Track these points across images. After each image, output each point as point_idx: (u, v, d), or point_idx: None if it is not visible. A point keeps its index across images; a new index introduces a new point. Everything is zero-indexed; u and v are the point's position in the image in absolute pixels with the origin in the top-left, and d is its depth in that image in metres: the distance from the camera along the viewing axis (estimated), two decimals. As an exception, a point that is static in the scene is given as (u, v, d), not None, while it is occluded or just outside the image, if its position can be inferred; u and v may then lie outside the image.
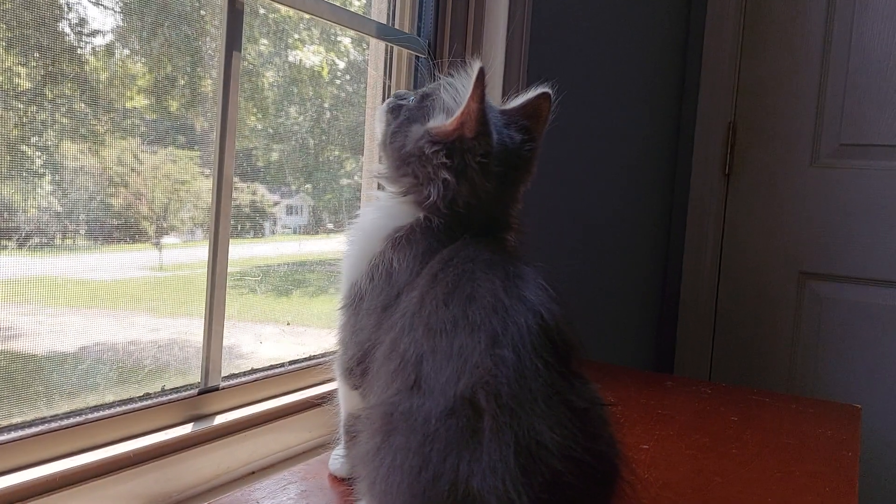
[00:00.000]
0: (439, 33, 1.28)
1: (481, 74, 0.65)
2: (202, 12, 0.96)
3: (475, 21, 1.31)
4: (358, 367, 0.71)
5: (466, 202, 0.71)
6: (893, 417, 2.01)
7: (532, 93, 0.75)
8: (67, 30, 0.82)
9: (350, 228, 0.79)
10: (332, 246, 1.23)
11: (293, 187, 1.21)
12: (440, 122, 0.70)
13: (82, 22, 0.83)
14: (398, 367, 0.61)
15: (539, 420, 0.55)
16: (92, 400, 0.81)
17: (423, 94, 0.75)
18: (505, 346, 0.57)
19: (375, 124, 0.81)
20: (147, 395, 0.86)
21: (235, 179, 1.05)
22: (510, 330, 0.58)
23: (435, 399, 0.57)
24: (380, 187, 0.82)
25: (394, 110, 0.76)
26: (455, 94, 0.70)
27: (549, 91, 0.75)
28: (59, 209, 0.82)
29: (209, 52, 0.95)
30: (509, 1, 1.30)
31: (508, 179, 0.73)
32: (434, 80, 0.78)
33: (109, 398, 0.83)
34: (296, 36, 1.16)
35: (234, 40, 0.91)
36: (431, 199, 0.70)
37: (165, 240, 0.97)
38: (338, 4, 1.11)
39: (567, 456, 0.55)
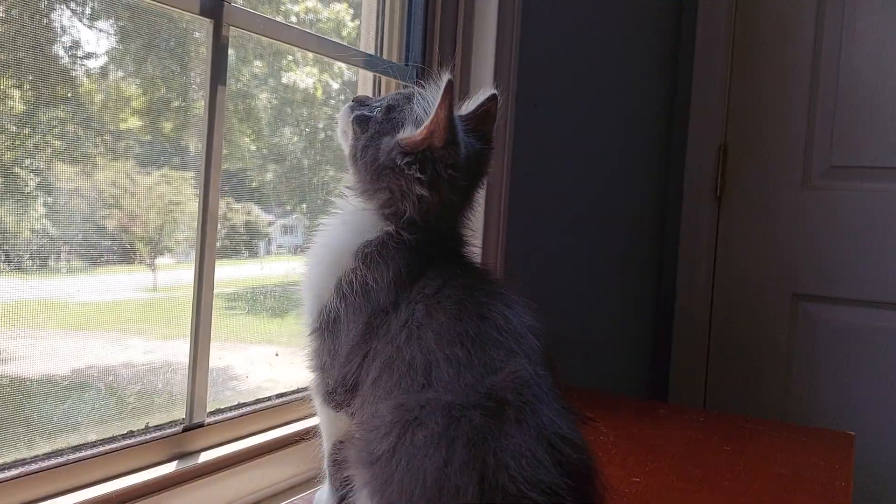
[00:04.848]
0: (427, 61, 1.28)
1: (450, 85, 0.67)
2: (196, 34, 0.96)
3: (463, 49, 1.32)
4: (342, 387, 0.71)
5: (437, 214, 0.73)
6: (888, 441, 2.01)
7: (482, 96, 0.77)
8: (61, 52, 0.82)
9: (311, 246, 0.79)
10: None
11: (288, 207, 1.21)
12: (410, 133, 0.71)
13: (76, 45, 0.83)
14: (404, 374, 0.64)
15: (556, 415, 0.61)
16: (74, 439, 0.80)
17: (388, 107, 0.76)
18: (522, 356, 0.63)
19: (338, 132, 0.81)
20: (130, 433, 0.85)
21: (230, 200, 1.05)
22: (524, 347, 0.64)
23: (453, 395, 0.60)
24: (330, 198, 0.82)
25: (361, 122, 0.76)
26: (425, 106, 0.71)
27: (497, 92, 0.77)
28: (53, 231, 0.81)
29: (202, 75, 0.95)
30: (497, 29, 1.30)
31: (470, 187, 0.77)
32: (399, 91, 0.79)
33: (92, 437, 0.82)
34: (289, 57, 1.16)
35: (218, 74, 0.91)
36: (408, 213, 0.72)
37: (159, 261, 0.96)
38: (323, 35, 1.11)
39: (582, 448, 0.61)
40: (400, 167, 0.71)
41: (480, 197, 1.33)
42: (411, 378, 0.63)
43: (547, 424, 0.59)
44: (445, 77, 0.67)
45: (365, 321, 0.69)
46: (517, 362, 0.62)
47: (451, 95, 0.68)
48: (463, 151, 0.72)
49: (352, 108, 0.79)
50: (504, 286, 0.72)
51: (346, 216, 0.77)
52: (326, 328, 0.73)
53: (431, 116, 0.69)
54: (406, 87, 0.79)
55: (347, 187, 0.78)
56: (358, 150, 0.76)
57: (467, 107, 0.77)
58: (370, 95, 0.81)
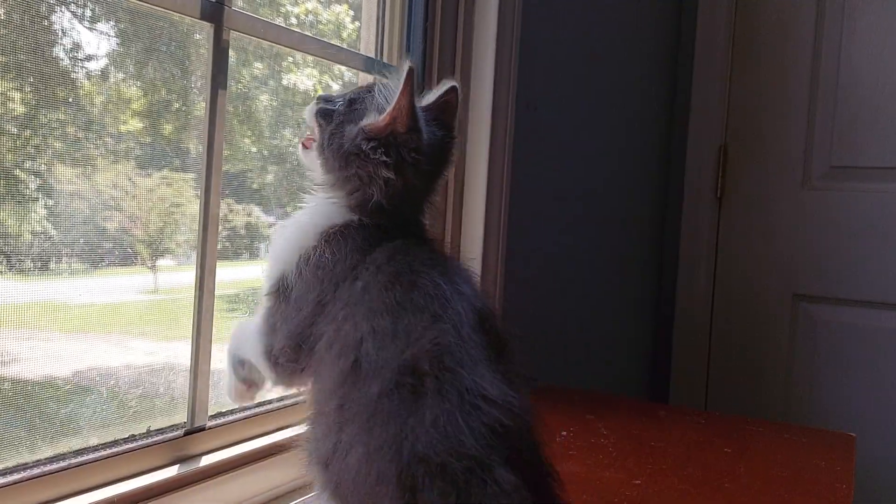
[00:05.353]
0: (427, 63, 1.28)
1: (411, 72, 0.70)
2: (196, 37, 0.96)
3: (463, 51, 1.32)
4: (289, 353, 0.73)
5: (402, 198, 0.75)
6: (889, 442, 2.01)
7: (442, 88, 0.79)
8: (62, 54, 0.82)
9: (282, 223, 0.82)
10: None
11: (289, 209, 1.21)
12: (373, 120, 0.74)
13: (76, 47, 0.83)
14: (340, 351, 0.65)
15: (481, 378, 0.61)
16: (76, 443, 0.80)
17: (351, 100, 0.79)
18: (446, 321, 0.63)
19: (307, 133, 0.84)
20: (132, 437, 0.85)
21: (231, 202, 1.05)
22: (450, 312, 0.64)
23: (378, 377, 0.61)
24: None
25: (325, 115, 0.79)
26: (387, 95, 0.74)
27: (456, 84, 0.80)
28: (54, 233, 0.82)
29: (202, 78, 0.95)
30: (497, 31, 1.30)
31: (433, 174, 0.79)
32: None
33: (94, 441, 0.82)
34: (290, 59, 1.17)
35: (219, 79, 0.91)
36: (375, 198, 0.74)
37: (160, 263, 0.97)
38: (323, 38, 1.12)
39: (509, 409, 0.60)
40: (365, 152, 0.73)
41: (481, 198, 1.34)
42: (345, 354, 0.64)
43: (470, 389, 0.59)
44: (406, 65, 0.70)
45: (317, 300, 0.71)
46: (439, 327, 0.62)
47: (412, 83, 0.70)
48: (425, 137, 0.74)
49: (316, 104, 0.81)
50: (452, 259, 0.75)
51: (316, 205, 0.79)
52: (283, 293, 0.75)
53: (394, 102, 0.71)
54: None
55: (316, 183, 0.81)
56: (324, 141, 0.78)
57: (427, 98, 0.79)
58: (332, 94, 0.84)
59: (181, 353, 0.92)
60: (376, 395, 0.60)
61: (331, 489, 0.63)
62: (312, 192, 0.81)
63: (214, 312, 0.93)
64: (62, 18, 0.82)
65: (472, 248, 1.32)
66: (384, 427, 0.59)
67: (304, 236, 0.76)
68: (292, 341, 0.73)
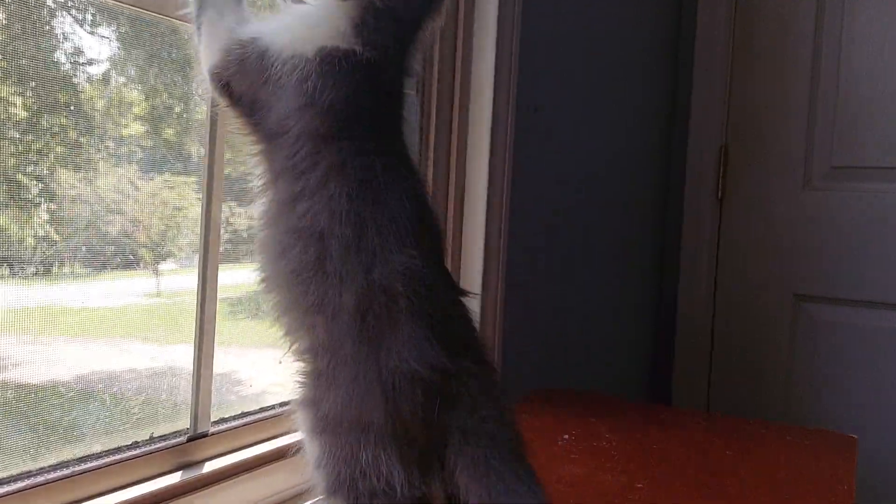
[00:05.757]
0: (427, 63, 1.28)
1: None
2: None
3: (464, 51, 1.32)
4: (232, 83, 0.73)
5: (401, 7, 0.72)
6: (890, 442, 2.01)
7: None
8: (63, 59, 0.82)
9: (284, 8, 0.78)
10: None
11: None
12: None
13: (78, 51, 0.84)
14: (295, 229, 0.67)
15: (447, 303, 0.69)
16: (79, 450, 0.80)
17: None
18: (413, 248, 0.67)
19: None
20: (135, 444, 0.85)
21: (233, 204, 1.06)
22: (417, 239, 0.68)
23: (348, 287, 0.65)
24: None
25: None
26: None
27: None
28: (56, 237, 0.82)
29: (204, 81, 0.95)
30: (497, 31, 1.30)
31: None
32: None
33: (97, 447, 0.82)
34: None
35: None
36: None
37: (163, 266, 0.97)
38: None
39: (472, 332, 0.71)
40: None
41: (482, 201, 1.34)
42: (303, 240, 0.67)
43: (439, 309, 0.66)
44: None
45: (283, 112, 0.69)
46: (409, 253, 0.66)
47: None
48: None
49: None
50: (418, 177, 0.75)
51: (318, 8, 0.74)
52: (263, 59, 0.71)
53: None
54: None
55: None
56: None
57: None
58: None
59: (184, 356, 0.92)
60: (353, 311, 0.64)
61: (315, 416, 0.68)
62: None
63: (217, 316, 0.93)
64: (63, 23, 0.82)
65: (474, 252, 1.32)
66: (368, 349, 0.64)
67: (304, 35, 0.71)
68: (230, 56, 0.72)
